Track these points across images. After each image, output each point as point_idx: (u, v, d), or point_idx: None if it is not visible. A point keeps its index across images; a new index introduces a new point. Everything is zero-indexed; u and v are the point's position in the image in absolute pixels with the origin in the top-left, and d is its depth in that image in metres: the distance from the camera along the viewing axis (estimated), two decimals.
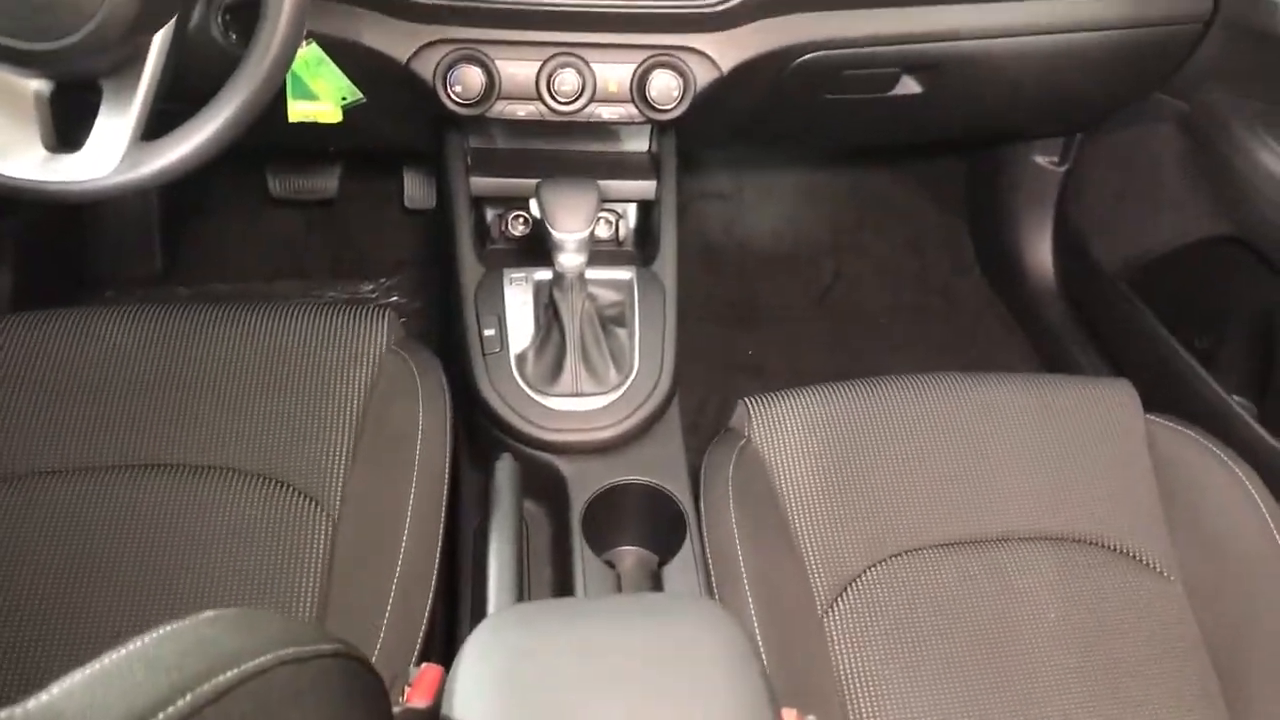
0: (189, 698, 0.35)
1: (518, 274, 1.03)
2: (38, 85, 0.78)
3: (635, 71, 1.00)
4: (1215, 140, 1.14)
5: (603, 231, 1.12)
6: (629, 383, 0.97)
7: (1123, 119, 1.32)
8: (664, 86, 1.00)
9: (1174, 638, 0.88)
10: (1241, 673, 0.86)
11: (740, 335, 1.60)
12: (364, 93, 1.00)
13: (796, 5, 1.00)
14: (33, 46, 0.73)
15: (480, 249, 1.08)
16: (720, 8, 0.95)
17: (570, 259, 0.92)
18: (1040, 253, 1.54)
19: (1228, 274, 1.22)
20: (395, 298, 1.58)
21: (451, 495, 0.93)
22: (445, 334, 1.13)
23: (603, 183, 0.98)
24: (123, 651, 0.36)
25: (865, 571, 0.88)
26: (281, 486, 0.88)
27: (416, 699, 0.57)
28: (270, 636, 0.40)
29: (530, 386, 0.97)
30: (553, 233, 0.91)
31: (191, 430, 0.91)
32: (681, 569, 0.89)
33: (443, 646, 0.92)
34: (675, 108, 1.01)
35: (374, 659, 0.79)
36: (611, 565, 0.93)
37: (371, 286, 1.59)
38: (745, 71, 1.02)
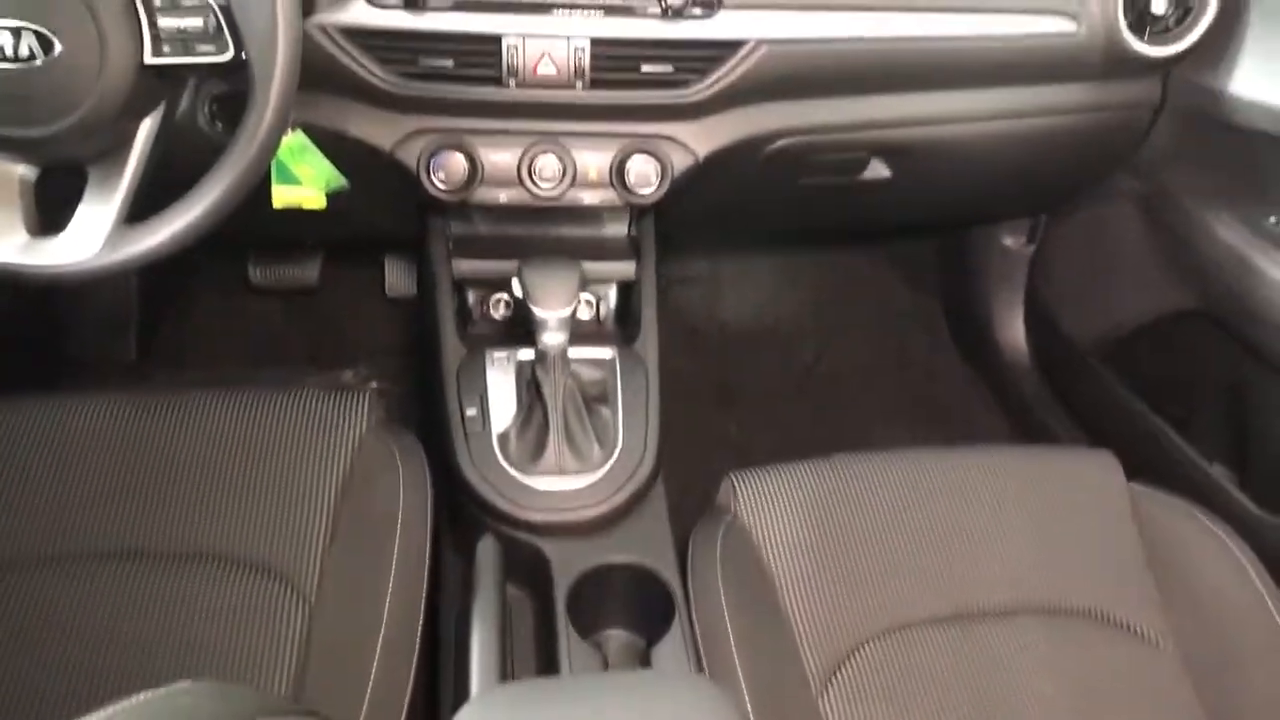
0: None
1: (500, 353, 1.04)
2: (23, 170, 0.79)
3: (614, 158, 1.03)
4: (1173, 220, 1.18)
5: (584, 313, 1.13)
6: (613, 460, 0.97)
7: (1087, 200, 1.36)
8: (642, 172, 1.03)
9: (1169, 705, 0.87)
10: None
11: (723, 414, 1.60)
12: (348, 179, 1.01)
13: (767, 95, 1.04)
14: (23, 133, 0.74)
15: (462, 330, 1.08)
16: (694, 98, 0.98)
17: (553, 337, 0.92)
18: (1013, 329, 1.57)
19: (1196, 346, 1.24)
20: (375, 385, 1.58)
21: (433, 578, 0.91)
22: (427, 416, 1.13)
23: (583, 264, 1.00)
24: (101, 715, 0.35)
25: (858, 650, 0.87)
26: (256, 571, 0.86)
27: None
28: (245, 705, 0.39)
29: (513, 465, 0.96)
30: (535, 312, 0.92)
31: (165, 517, 0.89)
32: (670, 650, 0.87)
33: None
34: (654, 192, 1.04)
35: None
36: (599, 647, 0.90)
37: (351, 374, 1.59)
38: (721, 157, 1.05)
